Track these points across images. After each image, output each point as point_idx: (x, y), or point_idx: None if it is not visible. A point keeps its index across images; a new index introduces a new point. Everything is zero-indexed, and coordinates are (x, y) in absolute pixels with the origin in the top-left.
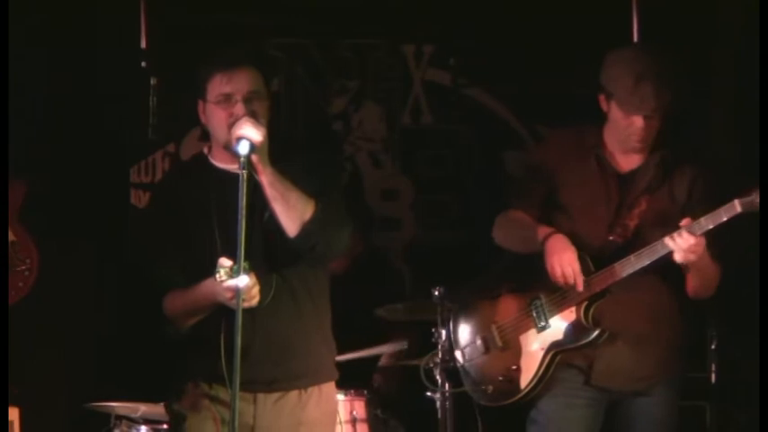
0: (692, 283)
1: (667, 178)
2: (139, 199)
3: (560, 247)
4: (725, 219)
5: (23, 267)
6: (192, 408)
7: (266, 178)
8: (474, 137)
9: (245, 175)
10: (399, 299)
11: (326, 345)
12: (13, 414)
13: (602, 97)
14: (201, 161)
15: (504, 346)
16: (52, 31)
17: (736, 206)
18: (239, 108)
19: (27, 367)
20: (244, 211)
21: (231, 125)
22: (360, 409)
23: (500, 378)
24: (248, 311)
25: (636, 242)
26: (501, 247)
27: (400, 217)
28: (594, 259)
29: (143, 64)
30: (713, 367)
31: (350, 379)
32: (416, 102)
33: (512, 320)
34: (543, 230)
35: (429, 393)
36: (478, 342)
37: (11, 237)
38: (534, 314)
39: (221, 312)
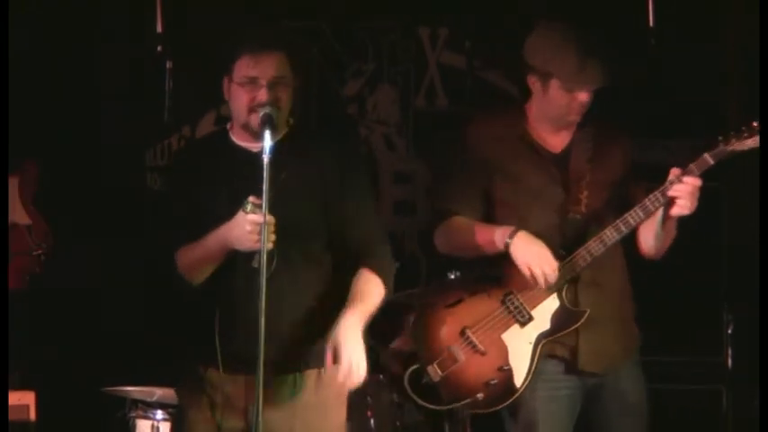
0: (662, 243)
1: (602, 150)
2: (155, 182)
3: (529, 244)
4: (712, 162)
5: (39, 251)
6: (190, 392)
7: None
8: None
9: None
10: (414, 283)
11: (328, 325)
12: (29, 398)
13: (532, 78)
14: (222, 136)
15: (486, 350)
16: (68, 13)
17: (708, 159)
18: (263, 93)
19: (42, 351)
20: (266, 196)
21: (252, 108)
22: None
23: (492, 382)
24: (244, 289)
25: (592, 214)
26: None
27: (414, 200)
28: (563, 241)
29: (158, 48)
30: (729, 351)
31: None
32: (431, 85)
33: (486, 322)
34: (503, 230)
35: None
36: (453, 352)
37: (26, 220)
38: (513, 310)
39: (216, 292)
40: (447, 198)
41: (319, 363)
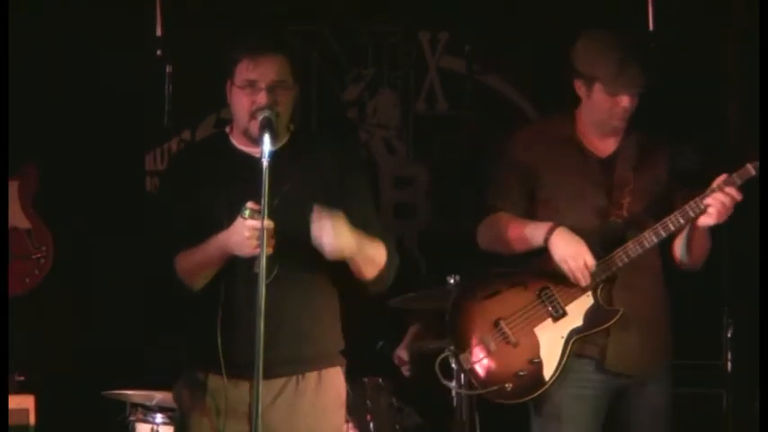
0: (693, 252)
1: (646, 159)
2: (155, 186)
3: (568, 240)
4: (753, 173)
5: (39, 255)
6: (192, 398)
7: (351, 255)
8: (489, 124)
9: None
10: (414, 287)
11: (329, 329)
12: (28, 402)
13: (578, 83)
14: (221, 139)
15: (518, 341)
16: (68, 16)
17: (750, 170)
18: (262, 96)
19: (42, 355)
20: (265, 201)
21: (253, 112)
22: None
23: (521, 373)
24: (242, 294)
25: (632, 220)
26: (487, 250)
27: (415, 204)
28: (601, 243)
29: (158, 52)
30: (729, 355)
31: (364, 367)
32: (431, 88)
33: (521, 314)
34: (543, 226)
35: (451, 385)
36: (485, 342)
37: (26, 224)
38: (548, 305)
39: (217, 297)
40: (493, 195)
41: (320, 365)
